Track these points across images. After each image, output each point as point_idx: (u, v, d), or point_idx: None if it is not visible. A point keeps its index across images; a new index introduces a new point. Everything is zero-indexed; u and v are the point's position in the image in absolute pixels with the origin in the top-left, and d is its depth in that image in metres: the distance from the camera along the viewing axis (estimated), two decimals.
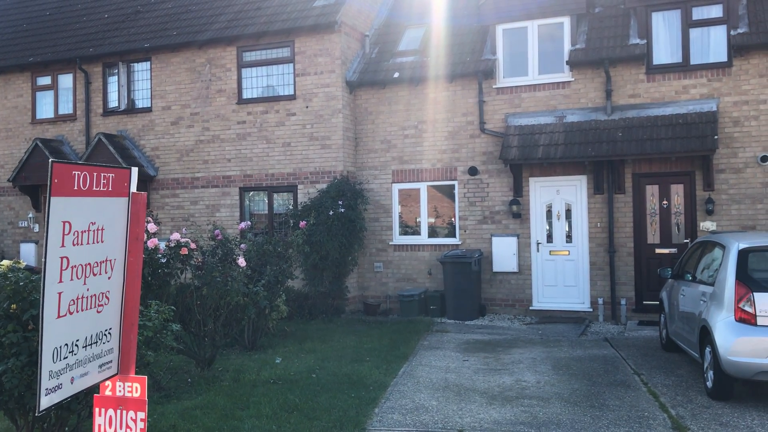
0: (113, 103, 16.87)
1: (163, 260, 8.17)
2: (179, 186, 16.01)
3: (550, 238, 13.80)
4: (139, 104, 16.66)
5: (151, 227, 8.07)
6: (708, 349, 7.77)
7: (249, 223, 10.92)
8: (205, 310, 8.45)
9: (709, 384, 7.69)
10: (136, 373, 3.93)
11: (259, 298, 8.70)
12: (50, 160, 3.18)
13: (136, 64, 16.67)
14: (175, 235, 8.21)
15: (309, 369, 9.22)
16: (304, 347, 10.84)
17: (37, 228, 17.54)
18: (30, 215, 17.57)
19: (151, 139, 16.32)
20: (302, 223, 11.22)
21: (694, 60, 12.93)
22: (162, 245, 14.45)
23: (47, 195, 3.09)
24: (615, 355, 10.16)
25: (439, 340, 11.46)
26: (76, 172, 3.23)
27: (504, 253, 13.88)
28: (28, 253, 17.39)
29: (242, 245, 10.58)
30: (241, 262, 8.53)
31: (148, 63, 16.45)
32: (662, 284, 12.55)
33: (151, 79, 16.39)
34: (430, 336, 11.81)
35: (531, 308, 13.77)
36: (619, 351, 10.38)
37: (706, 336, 7.85)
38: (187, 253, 8.15)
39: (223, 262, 9.67)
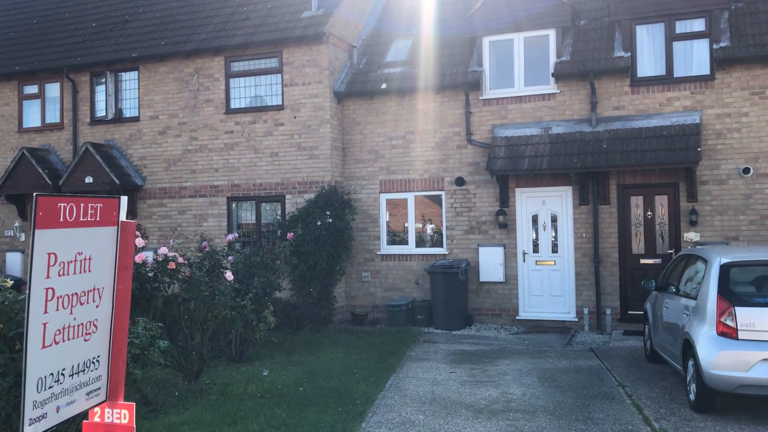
0: (101, 112, 16.84)
1: (150, 274, 8.18)
2: (167, 195, 16.00)
3: (536, 248, 13.91)
4: (127, 113, 16.64)
5: (139, 242, 8.10)
6: (691, 362, 7.88)
7: (236, 234, 10.97)
8: (192, 324, 8.48)
9: (692, 397, 7.80)
10: (124, 390, 3.96)
11: (247, 312, 8.73)
12: (35, 194, 3.20)
13: (123, 74, 16.66)
14: (163, 250, 8.24)
15: (296, 382, 9.26)
16: (292, 359, 10.87)
17: (23, 237, 17.46)
18: (16, 224, 17.49)
19: (139, 149, 16.30)
20: (290, 235, 11.26)
21: (678, 73, 13.10)
22: (150, 257, 14.45)
23: (32, 227, 3.10)
24: (600, 366, 10.26)
25: (426, 351, 11.53)
26: (62, 204, 3.26)
27: (491, 263, 13.97)
28: (14, 262, 17.31)
29: (230, 257, 10.62)
30: (229, 276, 8.57)
31: (136, 72, 16.45)
32: (647, 295, 12.71)
33: (138, 88, 16.38)
34: (418, 347, 11.87)
35: (517, 318, 13.87)
36: (604, 362, 10.49)
37: (688, 349, 7.96)
38: (174, 267, 8.16)
39: (210, 274, 9.71)
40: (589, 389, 8.84)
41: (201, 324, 8.67)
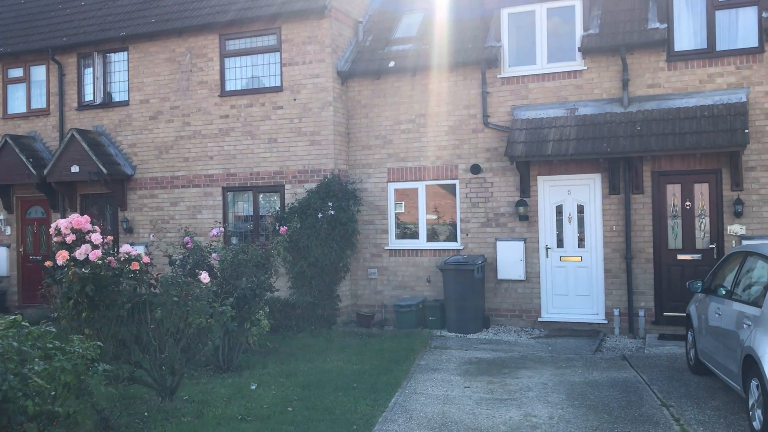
0: (89, 96, 15.68)
1: (110, 274, 6.97)
2: (158, 186, 14.81)
3: (560, 242, 12.56)
4: (116, 98, 15.47)
5: (95, 238, 6.88)
6: (755, 383, 6.53)
7: (222, 228, 9.73)
8: (161, 335, 7.24)
9: (757, 425, 6.45)
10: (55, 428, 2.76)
11: (226, 319, 7.48)
12: None
13: (112, 55, 15.48)
14: (125, 247, 7.01)
15: (286, 399, 8.01)
16: (286, 368, 9.64)
17: (9, 231, 16.38)
18: (1, 217, 16.39)
19: (129, 135, 15.12)
20: (283, 229, 10.01)
21: (721, 46, 11.66)
22: (141, 249, 13.25)
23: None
24: (637, 379, 8.92)
25: (437, 359, 10.25)
26: None
27: (510, 259, 12.64)
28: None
29: (214, 254, 9.40)
30: (204, 277, 7.32)
31: (125, 53, 15.25)
32: (684, 294, 11.33)
33: (128, 70, 15.19)
34: (428, 354, 10.59)
35: (539, 320, 12.54)
36: (641, 373, 9.15)
37: (752, 367, 6.61)
38: (138, 268, 6.94)
39: (193, 274, 8.50)
40: (627, 410, 7.52)
41: (173, 334, 7.44)
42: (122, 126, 15.18)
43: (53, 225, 7.05)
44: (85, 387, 5.02)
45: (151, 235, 10.75)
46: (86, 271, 6.87)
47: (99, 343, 5.43)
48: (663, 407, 7.63)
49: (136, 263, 6.91)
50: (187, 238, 9.52)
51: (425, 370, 9.48)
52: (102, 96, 15.47)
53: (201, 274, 7.36)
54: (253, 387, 8.63)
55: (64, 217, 15.73)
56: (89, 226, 7.06)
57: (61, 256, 6.67)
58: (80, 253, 6.84)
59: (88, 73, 15.65)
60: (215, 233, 9.57)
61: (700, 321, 8.69)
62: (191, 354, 7.58)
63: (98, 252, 6.80)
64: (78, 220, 6.93)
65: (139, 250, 14.23)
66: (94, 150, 14.64)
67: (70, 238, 6.97)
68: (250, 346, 10.60)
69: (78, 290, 6.83)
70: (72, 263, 6.86)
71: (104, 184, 14.70)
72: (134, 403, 7.92)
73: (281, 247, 9.95)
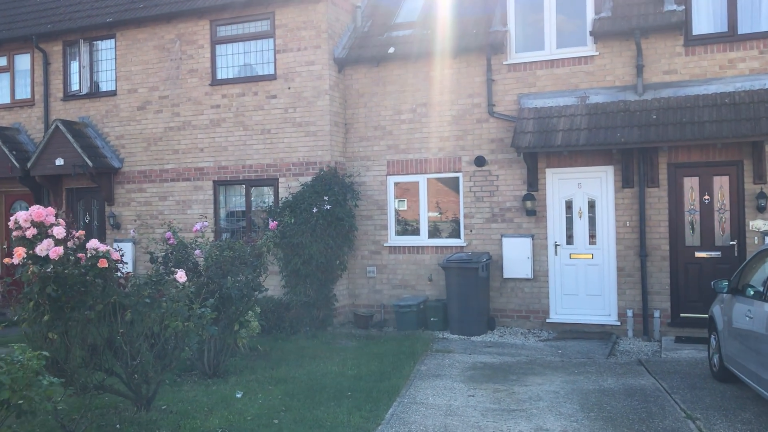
0: (75, 86, 14.98)
1: (75, 272, 6.26)
2: (146, 179, 14.10)
3: (570, 239, 11.83)
4: (103, 87, 14.78)
5: (58, 232, 6.17)
6: None
7: (206, 223, 9.02)
8: (132, 340, 6.54)
9: None
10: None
11: (206, 323, 6.77)
12: None
13: (99, 42, 14.77)
14: (92, 243, 6.30)
15: (273, 410, 7.31)
16: (276, 374, 8.93)
17: None
18: None
19: (116, 127, 14.41)
20: (272, 224, 9.30)
21: (743, 28, 10.92)
22: (129, 246, 12.51)
23: None
24: (656, 386, 8.20)
25: (439, 363, 9.53)
26: None
27: (516, 257, 11.92)
28: None
29: (197, 251, 8.70)
30: (180, 276, 6.61)
31: (113, 41, 14.54)
32: (702, 294, 10.62)
33: (115, 58, 14.47)
34: (429, 358, 9.87)
35: (548, 321, 11.82)
36: (660, 381, 8.42)
37: None
38: (106, 265, 6.23)
39: (169, 274, 7.80)
40: (648, 423, 6.80)
41: (148, 338, 6.73)
42: (109, 117, 14.47)
43: (12, 218, 6.34)
44: (27, 404, 4.31)
45: (132, 231, 10.06)
46: (48, 270, 6.17)
47: (45, 353, 4.72)
48: (688, 420, 6.91)
49: (104, 260, 6.19)
50: (168, 234, 8.82)
51: (426, 377, 8.76)
52: (88, 86, 14.78)
53: (177, 272, 6.64)
54: (239, 395, 7.93)
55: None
56: (52, 219, 6.36)
57: (17, 253, 5.96)
58: (41, 249, 6.14)
59: (74, 61, 14.95)
60: (198, 228, 8.86)
61: (726, 324, 7.97)
62: (167, 361, 6.86)
63: (60, 249, 6.09)
64: (39, 212, 6.23)
65: (127, 246, 13.57)
66: (80, 142, 13.94)
67: (30, 233, 6.27)
68: (239, 349, 9.90)
69: (38, 291, 6.13)
70: (31, 261, 6.16)
71: (90, 177, 14.00)
72: (107, 413, 7.22)
73: (271, 244, 9.23)
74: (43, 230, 6.34)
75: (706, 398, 7.63)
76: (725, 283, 8.14)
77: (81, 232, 6.89)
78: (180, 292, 6.71)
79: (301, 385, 8.33)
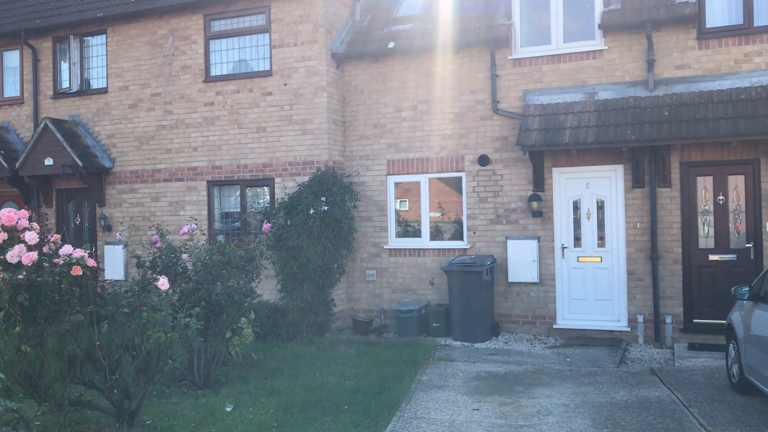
0: (65, 83, 14.51)
1: (50, 280, 5.80)
2: (138, 180, 13.64)
3: (578, 241, 11.35)
4: (94, 84, 14.31)
5: (30, 237, 5.71)
6: None
7: (194, 225, 8.53)
8: (110, 353, 6.07)
9: None
10: None
11: (191, 333, 6.30)
12: None
13: (89, 38, 14.31)
14: (66, 248, 5.83)
15: (263, 425, 6.84)
16: (270, 385, 8.47)
17: None
18: None
19: (107, 125, 13.94)
20: (266, 226, 8.81)
21: (760, 20, 10.42)
22: (120, 249, 12.02)
23: None
24: (671, 398, 7.72)
25: (441, 373, 9.05)
26: None
27: (522, 260, 11.44)
28: None
29: (184, 255, 8.23)
30: (162, 284, 6.13)
31: (104, 36, 14.08)
32: (717, 299, 10.16)
33: (106, 55, 14.01)
34: (431, 367, 9.40)
35: (555, 327, 11.33)
36: (676, 392, 7.94)
37: None
38: (81, 273, 5.75)
39: (150, 281, 7.34)
40: None
41: (129, 350, 6.26)
42: (100, 115, 14.01)
43: None
44: None
45: (118, 234, 9.60)
46: (20, 277, 5.70)
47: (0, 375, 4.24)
48: None
49: (78, 267, 5.72)
50: (155, 237, 8.35)
51: (428, 388, 8.28)
52: (79, 83, 14.32)
53: (159, 279, 6.16)
54: (229, 409, 7.47)
55: (38, 214, 14.62)
56: (25, 223, 5.89)
57: None
58: (12, 255, 5.68)
59: (64, 58, 14.49)
60: (186, 231, 8.39)
61: (747, 332, 7.49)
62: (150, 374, 6.39)
63: (34, 255, 5.63)
64: (9, 215, 5.76)
65: (118, 249, 13.10)
66: (69, 141, 13.48)
67: (0, 237, 5.79)
68: (232, 358, 9.46)
69: (9, 299, 5.66)
70: (2, 267, 5.69)
71: (80, 177, 13.54)
72: (87, 429, 6.76)
73: (264, 247, 8.76)
74: (14, 235, 5.87)
75: (727, 412, 7.14)
76: (746, 288, 7.66)
77: (57, 236, 6.45)
78: (162, 301, 6.23)
79: (296, 397, 7.86)
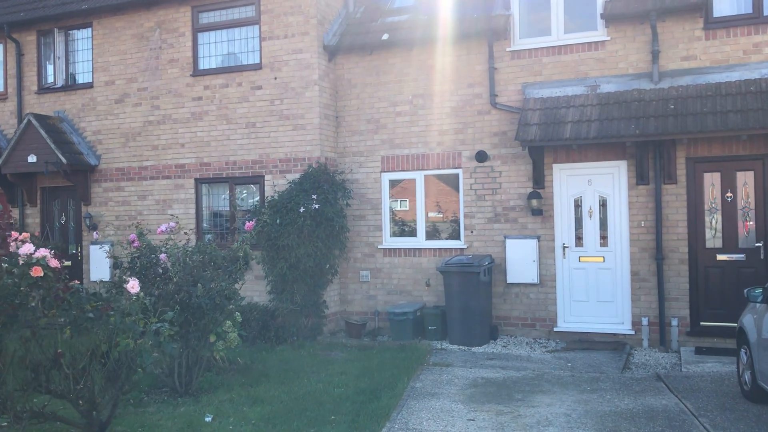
0: (50, 78, 14.07)
1: (9, 281, 5.35)
2: (125, 177, 13.19)
3: (579, 240, 10.89)
4: (80, 79, 13.87)
5: None
6: None
7: (174, 224, 8.07)
8: (75, 362, 5.61)
9: None
10: None
11: (163, 340, 5.83)
12: None
13: (75, 32, 13.87)
14: (26, 248, 5.37)
15: None
16: (254, 392, 8.01)
17: None
18: None
19: (93, 121, 13.49)
20: (248, 225, 8.34)
21: None
22: (106, 248, 11.59)
23: None
24: (680, 408, 7.25)
25: (436, 379, 8.59)
26: None
27: (521, 260, 10.98)
28: None
29: (162, 255, 7.78)
30: (132, 286, 5.67)
31: (89, 29, 13.63)
32: (725, 300, 9.71)
33: (92, 48, 13.56)
34: (426, 372, 8.93)
35: (555, 329, 10.87)
36: (684, 400, 7.48)
37: None
38: (42, 274, 5.30)
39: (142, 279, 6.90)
40: None
41: (98, 358, 5.80)
42: (86, 111, 13.56)
43: None
44: None
45: (95, 233, 9.16)
46: None
47: None
48: None
49: (38, 268, 5.26)
50: (133, 236, 7.89)
51: (421, 396, 7.82)
52: (64, 78, 13.87)
53: (129, 281, 5.71)
54: (208, 419, 7.01)
55: (23, 213, 14.19)
56: None
57: None
58: None
59: (49, 52, 14.04)
60: (164, 229, 7.92)
61: (761, 337, 7.02)
62: (120, 384, 5.93)
63: None
64: None
65: (104, 249, 12.66)
66: (54, 138, 13.02)
67: None
68: (216, 363, 9.03)
69: None
70: None
71: (64, 175, 13.09)
72: None
73: (248, 246, 8.30)
74: None
75: (740, 423, 6.68)
76: (759, 290, 7.21)
77: (25, 235, 6.00)
78: (133, 304, 5.77)
79: (281, 406, 7.41)
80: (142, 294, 5.85)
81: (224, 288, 7.90)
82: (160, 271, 8.11)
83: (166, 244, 8.31)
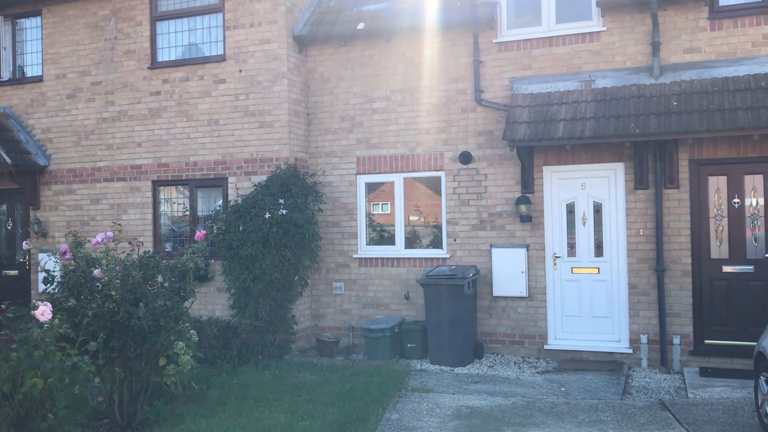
0: None
1: None
2: (77, 179, 12.07)
3: (572, 250, 9.95)
4: (28, 72, 12.74)
5: None
6: None
7: (111, 233, 7.00)
8: None
9: None
10: None
11: (82, 375, 4.77)
12: None
13: (23, 20, 12.75)
14: None
15: None
16: (205, 426, 6.97)
17: None
18: None
19: (42, 118, 12.36)
20: (199, 234, 7.26)
21: None
22: (50, 261, 10.45)
23: None
24: None
25: (415, 409, 7.59)
26: None
27: (508, 271, 10.02)
28: None
29: (96, 270, 6.71)
30: (43, 313, 4.61)
31: (39, 18, 12.51)
32: (733, 317, 8.84)
33: (42, 38, 12.43)
34: (403, 400, 7.93)
35: (546, 347, 9.93)
36: None
37: None
38: None
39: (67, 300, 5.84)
40: None
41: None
42: (35, 106, 12.42)
43: None
44: None
45: (25, 243, 8.08)
46: None
47: None
48: None
49: None
50: (64, 247, 6.80)
51: (397, 430, 6.81)
52: (11, 71, 12.75)
53: (39, 307, 4.65)
54: None
55: None
56: None
57: None
58: None
59: None
60: (100, 240, 6.85)
61: None
62: (29, 426, 4.86)
63: None
64: None
65: (54, 259, 11.51)
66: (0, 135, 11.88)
67: None
68: (168, 389, 7.99)
69: None
70: None
71: (10, 177, 11.94)
72: None
73: (199, 258, 7.24)
74: None
75: None
76: None
77: None
78: (44, 334, 4.71)
79: None
80: (57, 321, 4.79)
81: (170, 307, 6.84)
82: (99, 286, 7.04)
83: (107, 255, 7.24)
